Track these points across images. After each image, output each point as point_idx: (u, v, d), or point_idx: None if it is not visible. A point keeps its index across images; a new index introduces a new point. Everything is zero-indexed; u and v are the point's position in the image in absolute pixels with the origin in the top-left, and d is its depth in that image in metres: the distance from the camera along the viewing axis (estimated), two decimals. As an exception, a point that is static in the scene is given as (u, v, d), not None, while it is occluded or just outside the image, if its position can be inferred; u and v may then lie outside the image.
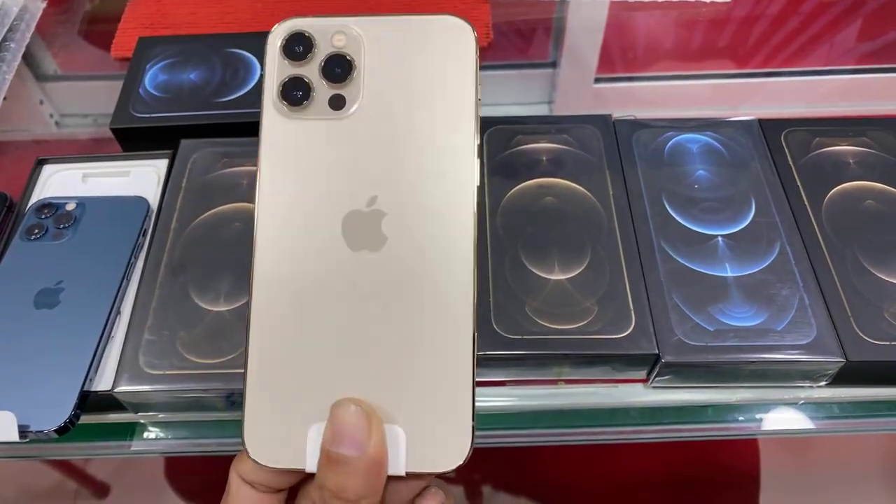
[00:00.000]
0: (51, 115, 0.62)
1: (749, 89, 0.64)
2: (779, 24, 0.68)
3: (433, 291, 0.28)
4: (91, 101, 0.63)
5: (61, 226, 0.46)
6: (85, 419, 0.39)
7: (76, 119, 0.63)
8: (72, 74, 0.65)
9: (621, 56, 0.67)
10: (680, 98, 0.65)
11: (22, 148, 0.59)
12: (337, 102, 0.29)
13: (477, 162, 0.29)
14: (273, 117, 0.29)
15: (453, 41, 0.29)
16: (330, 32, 0.29)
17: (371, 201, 0.29)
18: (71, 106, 0.63)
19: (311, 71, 0.29)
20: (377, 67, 0.29)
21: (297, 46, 0.29)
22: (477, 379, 0.40)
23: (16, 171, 0.54)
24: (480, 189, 0.30)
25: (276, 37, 0.30)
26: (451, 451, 0.27)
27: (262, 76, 0.30)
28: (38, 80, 0.63)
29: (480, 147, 0.30)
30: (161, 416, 0.41)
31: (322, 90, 0.29)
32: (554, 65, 0.66)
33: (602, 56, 0.66)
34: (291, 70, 0.29)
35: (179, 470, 0.61)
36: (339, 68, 0.29)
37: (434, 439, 0.27)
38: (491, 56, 0.64)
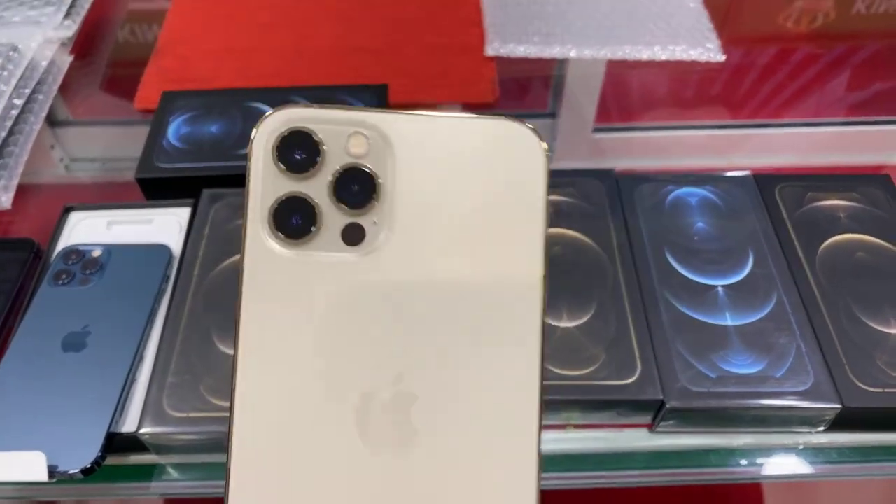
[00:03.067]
0: (61, 160, 0.64)
1: (742, 140, 0.67)
2: (770, 77, 0.71)
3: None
4: (100, 146, 0.65)
5: (87, 272, 0.47)
6: (106, 461, 0.40)
7: (85, 164, 0.65)
8: (83, 120, 0.68)
9: (618, 107, 0.70)
10: (676, 148, 0.68)
11: (32, 191, 0.61)
12: (353, 235, 0.21)
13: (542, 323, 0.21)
14: (261, 250, 0.21)
15: (515, 154, 0.21)
16: (345, 133, 0.21)
17: (397, 379, 0.21)
18: (81, 151, 0.65)
19: (317, 188, 0.21)
20: (410, 186, 0.21)
21: (298, 152, 0.21)
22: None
23: (29, 214, 0.56)
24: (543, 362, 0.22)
25: (267, 134, 0.21)
26: None
27: (245, 186, 0.21)
28: (51, 126, 0.65)
29: (545, 296, 0.22)
30: (182, 458, 0.42)
31: (333, 216, 0.21)
32: (553, 115, 0.69)
33: (600, 107, 0.69)
34: (289, 186, 0.21)
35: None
36: (358, 187, 0.21)
37: None
38: (492, 107, 0.67)
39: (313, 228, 0.21)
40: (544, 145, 0.21)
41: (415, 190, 0.21)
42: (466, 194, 0.21)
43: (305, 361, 0.21)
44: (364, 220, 0.21)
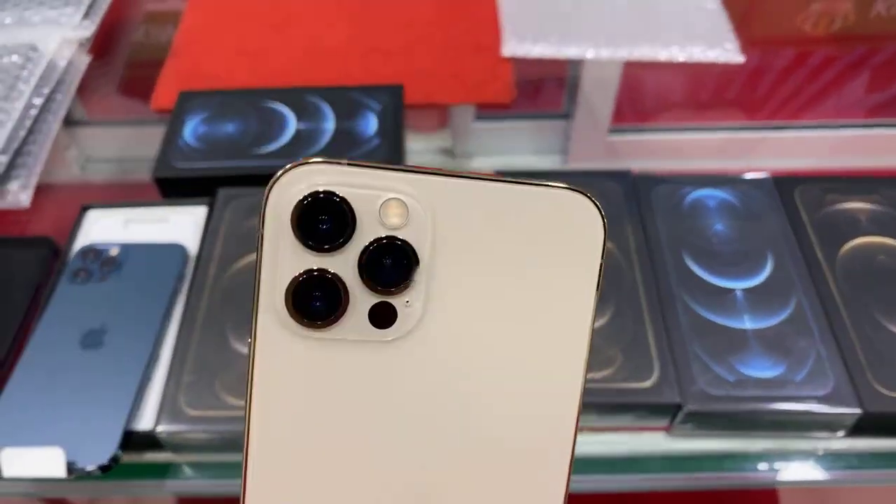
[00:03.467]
0: (76, 160, 0.64)
1: (760, 142, 0.67)
2: (788, 78, 0.70)
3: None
4: (116, 146, 0.66)
5: (105, 270, 0.48)
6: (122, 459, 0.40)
7: (101, 164, 0.65)
8: (99, 120, 0.68)
9: (634, 109, 0.69)
10: (692, 150, 0.67)
11: (49, 190, 0.61)
12: (383, 316, 0.18)
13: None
14: (274, 332, 0.18)
15: (573, 229, 0.18)
16: (380, 200, 0.17)
17: (424, 494, 0.19)
18: (97, 150, 0.66)
19: (343, 265, 0.17)
20: (451, 260, 0.18)
21: (322, 223, 0.17)
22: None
23: (47, 214, 0.57)
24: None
25: (284, 198, 0.17)
26: None
27: (257, 257, 0.18)
28: (67, 126, 0.65)
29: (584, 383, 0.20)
30: (198, 456, 0.43)
31: (360, 296, 0.18)
32: (567, 116, 0.69)
33: (616, 108, 0.69)
34: (310, 261, 0.17)
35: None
36: (392, 263, 0.18)
37: None
38: (508, 107, 0.66)
39: (337, 311, 0.18)
40: (604, 220, 0.19)
41: (455, 264, 0.18)
42: (513, 271, 0.18)
43: (326, 454, 0.19)
44: (396, 300, 0.18)
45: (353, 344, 0.18)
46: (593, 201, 0.18)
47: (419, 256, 0.18)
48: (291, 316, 0.18)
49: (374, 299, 0.18)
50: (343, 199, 0.17)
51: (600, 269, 0.19)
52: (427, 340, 0.18)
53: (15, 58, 0.61)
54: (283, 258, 0.17)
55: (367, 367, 0.18)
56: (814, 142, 0.67)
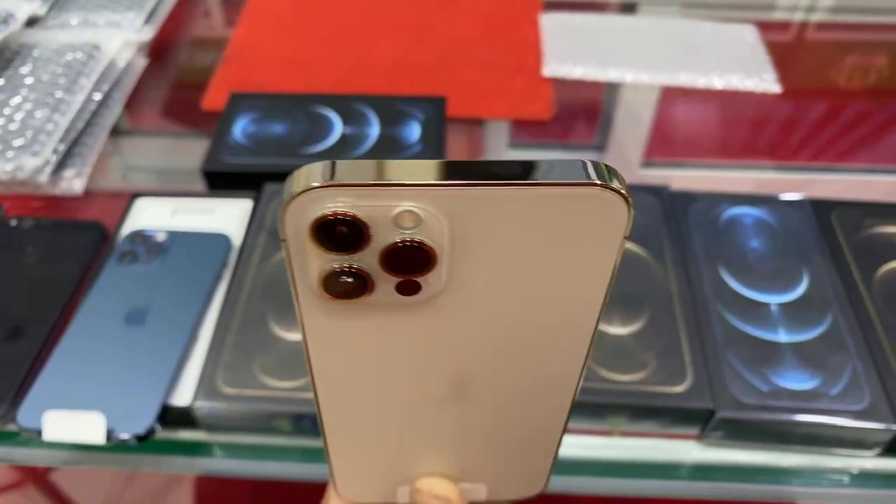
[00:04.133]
0: (121, 168, 0.66)
1: (796, 183, 0.67)
2: (826, 122, 0.71)
3: (531, 388, 0.24)
4: (156, 156, 0.68)
5: (151, 254, 0.49)
6: (158, 435, 0.41)
7: (141, 174, 0.67)
8: (140, 130, 0.70)
9: (667, 144, 0.70)
10: (724, 187, 0.68)
11: (94, 194, 0.63)
12: (409, 288, 0.19)
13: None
14: (313, 307, 0.20)
15: (593, 219, 0.19)
16: (392, 211, 0.18)
17: (456, 372, 0.23)
18: (136, 159, 0.68)
19: (366, 259, 0.19)
20: (470, 247, 0.19)
21: (338, 234, 0.18)
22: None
23: (95, 203, 0.59)
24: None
25: (298, 219, 0.18)
26: (526, 491, 0.29)
27: (285, 256, 0.19)
28: (117, 135, 0.67)
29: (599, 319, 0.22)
30: (231, 437, 0.43)
31: (385, 278, 0.19)
32: (600, 148, 0.70)
33: (649, 143, 0.70)
34: (334, 260, 0.19)
35: (239, 491, 0.62)
36: (411, 257, 0.19)
37: (512, 488, 0.29)
38: (540, 134, 0.68)
39: (365, 292, 0.19)
40: (631, 210, 0.18)
41: (474, 250, 0.19)
42: (532, 252, 0.19)
43: (373, 379, 0.23)
44: (420, 279, 0.19)
45: (385, 307, 0.20)
46: (616, 191, 0.18)
47: (436, 250, 0.19)
48: (325, 294, 0.19)
49: (398, 279, 0.19)
50: (355, 218, 0.18)
51: (621, 247, 0.20)
52: (451, 301, 0.20)
53: (79, 55, 0.64)
54: (310, 260, 0.19)
55: (401, 323, 0.21)
56: (851, 185, 0.67)
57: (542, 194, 0.18)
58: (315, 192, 0.17)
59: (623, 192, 0.18)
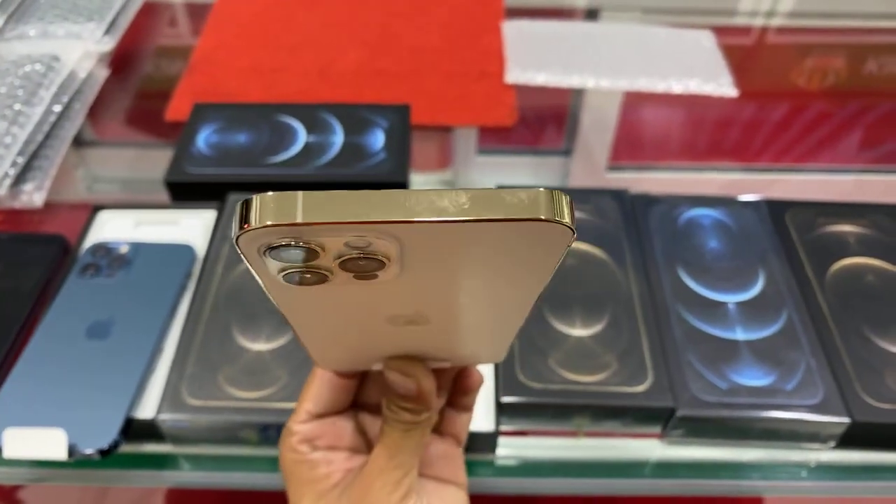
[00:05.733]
0: (83, 180, 0.66)
1: (755, 183, 0.69)
2: (785, 122, 0.73)
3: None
4: (125, 166, 0.67)
5: (114, 266, 0.49)
6: (122, 449, 0.40)
7: (104, 185, 0.67)
8: (107, 141, 0.70)
9: (632, 148, 0.71)
10: (688, 189, 0.69)
11: (60, 193, 0.62)
12: (365, 276, 0.21)
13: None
14: (278, 287, 0.21)
15: (534, 245, 0.20)
16: (341, 239, 0.19)
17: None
18: (99, 171, 0.67)
19: (322, 263, 0.20)
20: (422, 255, 0.20)
21: (292, 255, 0.19)
22: (501, 428, 0.42)
23: (57, 216, 0.58)
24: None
25: (251, 245, 0.19)
26: (488, 360, 0.33)
27: (249, 268, 0.21)
28: (79, 146, 0.67)
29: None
30: (196, 449, 0.43)
31: (341, 273, 0.20)
32: (567, 153, 0.71)
33: (614, 147, 0.71)
34: (291, 267, 0.20)
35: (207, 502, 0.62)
36: (364, 265, 0.20)
37: (474, 360, 0.32)
38: (508, 139, 0.68)
39: (325, 281, 0.21)
40: (574, 234, 0.19)
41: (424, 256, 0.20)
42: (478, 260, 0.21)
43: (342, 319, 0.25)
44: (375, 272, 0.21)
45: (345, 284, 0.21)
46: (564, 224, 0.18)
47: (387, 258, 0.20)
48: (288, 283, 0.21)
49: (353, 274, 0.21)
50: (308, 245, 0.19)
51: (562, 257, 0.21)
52: (405, 280, 0.21)
53: (38, 66, 0.63)
54: (269, 266, 0.20)
55: (361, 289, 0.22)
56: (810, 184, 0.69)
57: (489, 228, 0.18)
58: (268, 228, 0.18)
59: (568, 224, 0.18)
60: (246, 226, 0.18)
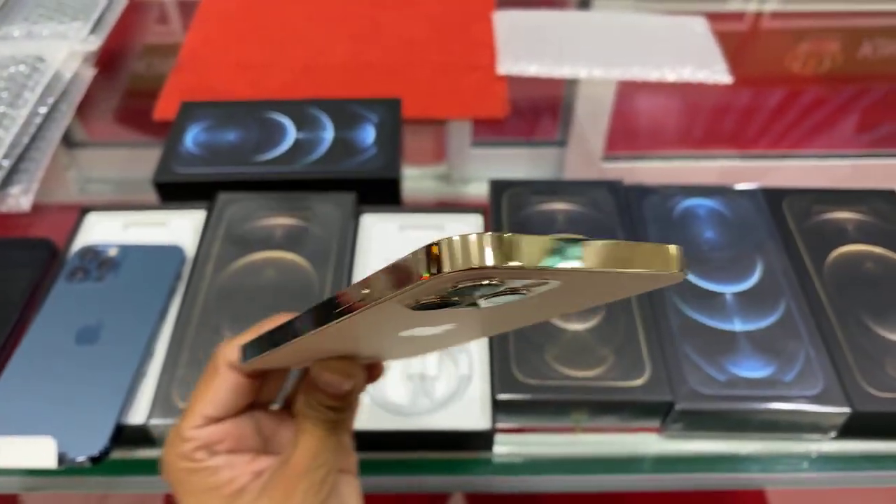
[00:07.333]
0: (71, 181, 0.65)
1: (751, 171, 0.68)
2: (780, 109, 0.72)
3: None
4: (115, 166, 0.66)
5: (103, 269, 0.48)
6: (114, 455, 0.40)
7: (92, 186, 0.66)
8: (98, 141, 0.69)
9: (627, 138, 0.71)
10: (684, 178, 0.68)
11: (48, 195, 0.61)
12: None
13: None
14: (381, 309, 0.20)
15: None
16: (527, 281, 0.19)
17: None
18: (98, 161, 0.67)
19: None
20: (552, 293, 0.20)
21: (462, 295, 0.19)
22: (498, 425, 0.42)
23: (45, 218, 0.57)
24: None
25: (448, 280, 0.17)
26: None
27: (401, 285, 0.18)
28: (68, 147, 0.66)
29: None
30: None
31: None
32: (562, 143, 0.70)
33: (609, 137, 0.70)
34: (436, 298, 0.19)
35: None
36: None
37: None
38: (502, 131, 0.68)
39: (449, 307, 0.20)
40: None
41: (554, 292, 0.20)
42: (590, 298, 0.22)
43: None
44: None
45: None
46: (682, 273, 0.20)
47: (526, 291, 0.19)
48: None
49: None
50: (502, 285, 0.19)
51: None
52: (512, 306, 0.21)
53: (22, 67, 0.62)
54: (425, 293, 0.19)
55: (444, 316, 0.21)
56: (807, 170, 0.68)
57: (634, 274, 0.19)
58: (480, 270, 0.16)
59: (686, 273, 0.21)
60: (472, 267, 0.16)
